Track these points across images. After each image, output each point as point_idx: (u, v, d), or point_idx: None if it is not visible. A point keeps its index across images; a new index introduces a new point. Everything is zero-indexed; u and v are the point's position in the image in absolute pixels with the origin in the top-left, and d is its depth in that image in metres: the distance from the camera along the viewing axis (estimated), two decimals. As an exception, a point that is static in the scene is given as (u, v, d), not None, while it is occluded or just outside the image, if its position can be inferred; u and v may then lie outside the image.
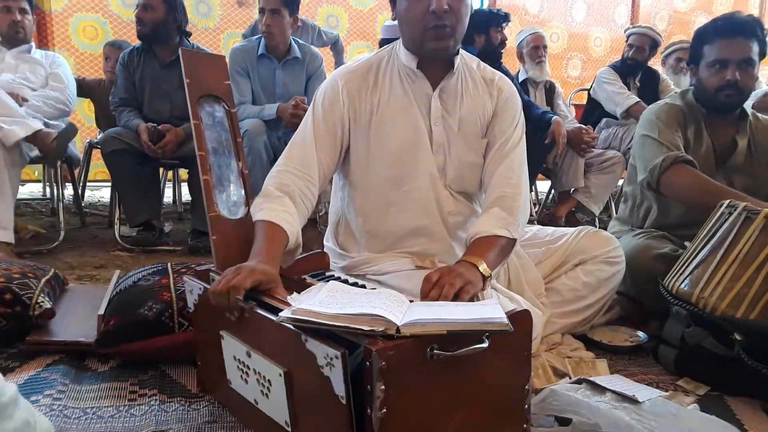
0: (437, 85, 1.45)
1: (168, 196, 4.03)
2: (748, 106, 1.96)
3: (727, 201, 1.54)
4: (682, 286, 1.50)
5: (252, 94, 2.93)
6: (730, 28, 1.83)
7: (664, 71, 3.99)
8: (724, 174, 1.90)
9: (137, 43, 2.93)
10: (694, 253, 1.53)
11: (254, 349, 1.04)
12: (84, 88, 3.55)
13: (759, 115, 1.99)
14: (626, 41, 3.71)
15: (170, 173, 3.84)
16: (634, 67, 3.65)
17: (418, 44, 1.38)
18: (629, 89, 3.58)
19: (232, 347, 1.11)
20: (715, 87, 1.84)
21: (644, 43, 3.61)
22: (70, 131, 2.76)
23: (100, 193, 4.56)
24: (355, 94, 1.45)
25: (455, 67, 1.43)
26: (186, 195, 3.88)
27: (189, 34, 2.96)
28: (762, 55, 1.86)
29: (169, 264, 1.68)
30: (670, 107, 1.96)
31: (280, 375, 0.98)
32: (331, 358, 0.86)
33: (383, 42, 2.86)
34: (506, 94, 1.51)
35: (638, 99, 3.42)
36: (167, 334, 1.42)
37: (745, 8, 6.22)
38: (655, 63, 4.09)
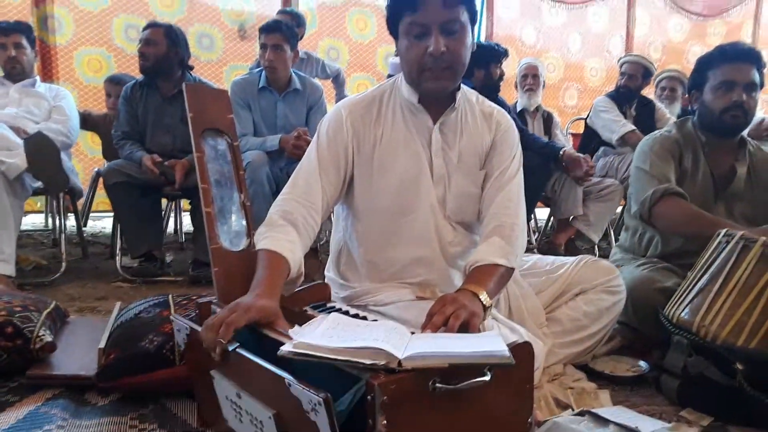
0: (438, 119, 1.47)
1: (170, 226, 4.04)
2: (744, 133, 1.99)
3: (725, 230, 1.56)
4: (683, 314, 1.51)
5: (253, 126, 2.97)
6: (736, 54, 1.88)
7: (654, 99, 4.05)
8: (724, 202, 1.91)
9: (139, 76, 2.98)
10: (694, 282, 1.54)
11: (243, 391, 1.03)
12: (90, 122, 3.60)
13: (759, 145, 2.02)
14: (620, 70, 3.78)
15: (172, 203, 3.86)
16: (628, 95, 3.70)
17: (417, 83, 1.40)
18: (625, 117, 3.63)
19: (223, 387, 1.10)
20: (720, 108, 1.87)
21: (637, 71, 3.68)
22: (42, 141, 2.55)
23: (101, 223, 4.58)
24: (358, 125, 1.47)
25: (456, 101, 1.46)
26: (187, 225, 3.90)
27: (191, 68, 3.01)
28: (762, 85, 1.90)
29: (170, 295, 1.68)
30: (664, 138, 1.98)
31: (270, 418, 0.96)
32: (315, 404, 0.85)
33: (390, 77, 2.91)
34: (504, 127, 1.53)
35: (633, 127, 3.47)
36: (168, 367, 1.41)
37: (738, 39, 6.33)
38: (650, 92, 4.15)
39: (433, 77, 1.36)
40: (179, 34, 2.91)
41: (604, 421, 1.24)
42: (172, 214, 3.98)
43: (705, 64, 1.95)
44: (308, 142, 2.71)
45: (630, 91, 3.70)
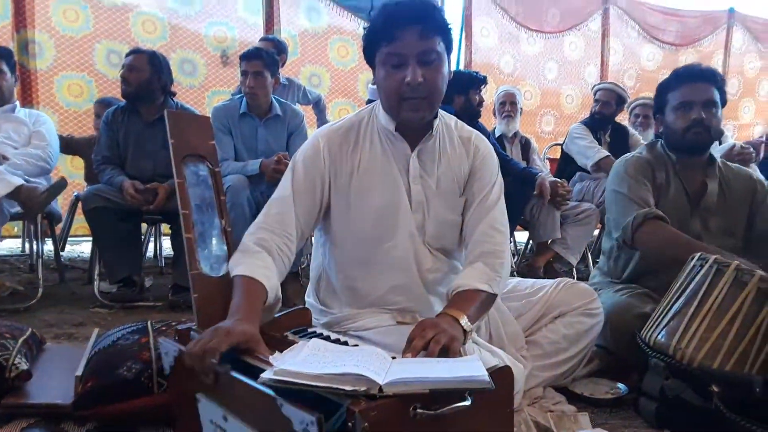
0: (416, 146, 1.48)
1: (149, 250, 4.01)
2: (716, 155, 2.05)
3: (698, 254, 1.59)
4: (659, 337, 1.53)
5: (234, 151, 2.99)
6: (692, 75, 1.95)
7: (628, 125, 4.15)
8: (699, 216, 1.95)
9: (122, 101, 2.98)
10: (669, 305, 1.57)
11: (231, 413, 1.03)
12: (73, 146, 3.59)
13: (727, 162, 2.08)
14: (594, 97, 3.87)
15: (152, 228, 3.83)
16: (603, 122, 3.80)
17: (394, 112, 1.42)
18: (600, 143, 3.71)
19: (208, 410, 1.09)
20: (682, 128, 1.93)
21: (610, 98, 3.77)
22: (61, 185, 2.77)
23: (80, 248, 4.52)
24: (335, 153, 1.48)
25: (434, 129, 1.47)
26: (167, 249, 3.87)
27: (173, 94, 3.02)
28: (723, 103, 1.96)
29: (149, 322, 1.66)
30: (636, 159, 2.03)
31: (258, 440, 0.96)
32: (307, 424, 0.85)
33: (369, 103, 2.94)
34: (483, 152, 1.55)
35: (607, 153, 3.55)
36: (146, 395, 1.39)
37: (709, 66, 6.50)
38: (624, 119, 4.25)
39: (411, 108, 1.37)
40: (162, 60, 2.93)
41: (583, 445, 1.25)
42: (152, 239, 3.95)
43: (664, 88, 2.02)
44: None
45: (604, 118, 3.79)
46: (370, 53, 1.42)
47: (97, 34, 4.38)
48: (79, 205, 3.15)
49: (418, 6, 1.35)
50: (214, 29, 4.77)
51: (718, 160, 2.03)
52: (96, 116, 3.68)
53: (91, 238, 3.07)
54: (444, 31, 1.38)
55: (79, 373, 1.45)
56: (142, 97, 2.87)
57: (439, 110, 1.49)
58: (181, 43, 4.67)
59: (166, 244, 3.86)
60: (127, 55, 2.92)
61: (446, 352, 1.11)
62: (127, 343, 1.52)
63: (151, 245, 4.03)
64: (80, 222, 3.98)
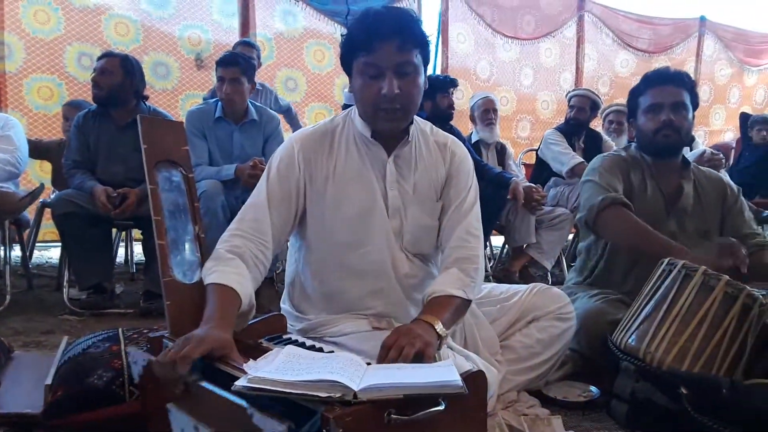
0: (392, 152, 1.49)
1: (120, 255, 3.95)
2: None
3: (667, 259, 1.63)
4: (630, 341, 1.56)
5: (209, 156, 2.96)
6: (660, 78, 1.99)
7: (602, 131, 4.23)
8: (675, 218, 1.99)
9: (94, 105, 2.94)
10: (639, 309, 1.60)
11: (202, 423, 1.02)
12: (41, 150, 3.51)
13: (700, 167, 2.13)
14: (568, 103, 3.93)
15: (123, 233, 3.78)
16: (577, 127, 3.86)
17: (371, 121, 1.43)
18: (574, 149, 3.77)
19: (179, 421, 1.08)
20: (652, 130, 1.96)
21: (584, 104, 3.84)
22: (39, 191, 2.73)
23: (48, 253, 4.43)
24: (311, 158, 1.47)
25: (410, 135, 1.48)
26: (138, 255, 3.82)
27: (146, 98, 2.98)
28: (695, 106, 2.00)
29: (120, 330, 1.64)
30: (612, 156, 2.08)
31: (229, 449, 0.95)
32: None
33: (345, 107, 2.95)
34: (459, 157, 1.56)
35: (582, 159, 3.61)
36: (117, 403, 1.37)
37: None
38: (598, 126, 4.32)
39: (387, 118, 1.39)
40: (135, 64, 2.90)
41: (556, 448, 1.26)
42: (122, 244, 3.89)
43: (635, 92, 2.06)
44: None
45: (579, 124, 3.85)
46: (347, 61, 1.43)
47: (68, 36, 4.31)
48: (47, 210, 3.10)
49: (397, 18, 1.36)
50: (189, 32, 4.73)
51: (692, 163, 2.08)
52: (65, 119, 3.61)
53: (59, 244, 3.01)
54: (422, 44, 1.39)
55: (48, 381, 1.42)
56: (113, 101, 2.83)
57: (415, 116, 1.50)
58: (154, 45, 4.61)
59: (138, 249, 3.82)
60: (99, 58, 2.88)
61: (421, 357, 1.11)
62: (97, 351, 1.49)
63: (121, 250, 3.97)
64: (48, 227, 3.91)
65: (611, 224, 1.92)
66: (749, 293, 1.49)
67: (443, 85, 3.38)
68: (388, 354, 1.12)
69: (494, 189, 3.29)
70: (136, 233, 3.84)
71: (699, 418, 1.35)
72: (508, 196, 3.29)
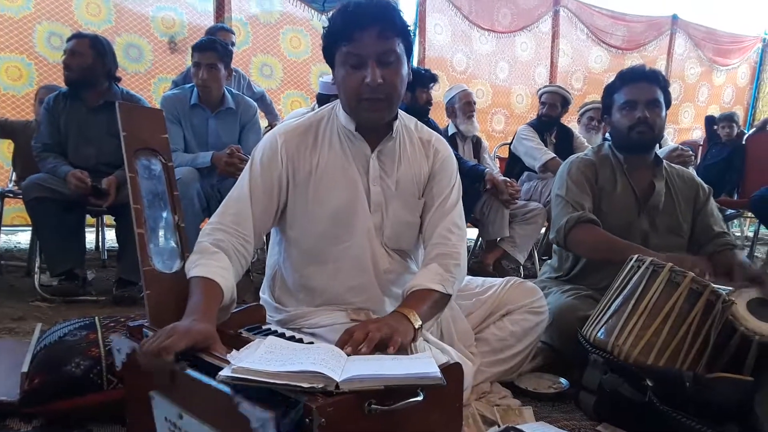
0: (376, 147, 1.49)
1: (90, 242, 3.89)
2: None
3: (636, 255, 1.68)
4: (599, 334, 1.61)
5: (184, 143, 2.92)
6: (635, 75, 2.03)
7: (579, 129, 4.29)
8: (647, 215, 2.04)
9: (64, 87, 2.87)
10: (609, 304, 1.65)
11: (186, 411, 1.02)
12: (7, 129, 3.42)
13: (672, 165, 2.18)
14: (540, 100, 4.00)
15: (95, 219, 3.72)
16: (549, 123, 3.93)
17: (354, 112, 1.43)
18: (546, 145, 3.84)
19: (162, 408, 1.09)
20: (627, 126, 2.00)
21: (556, 101, 3.92)
22: None
23: (16, 238, 4.34)
24: (294, 152, 1.47)
25: (394, 130, 1.49)
26: (110, 241, 3.77)
27: (118, 80, 2.93)
28: (668, 104, 2.04)
29: (97, 318, 1.63)
30: (580, 161, 2.11)
31: (214, 437, 0.96)
32: (264, 421, 0.86)
33: (320, 96, 2.94)
34: (443, 155, 1.57)
35: (554, 155, 3.68)
36: (95, 392, 1.37)
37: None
38: (571, 121, 4.39)
39: (371, 108, 1.39)
40: (106, 44, 2.84)
41: (527, 437, 1.30)
42: (94, 230, 3.83)
43: (610, 89, 2.10)
44: (241, 159, 2.70)
45: (551, 119, 3.93)
46: (329, 53, 1.42)
47: (37, 15, 4.20)
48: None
49: (377, 7, 1.36)
50: (162, 14, 4.65)
51: (664, 161, 2.13)
52: (39, 102, 3.52)
53: (28, 229, 2.95)
54: (403, 33, 1.39)
55: (25, 369, 1.42)
56: (85, 83, 2.78)
57: (399, 111, 1.51)
58: (126, 27, 4.53)
59: (110, 236, 3.76)
60: (69, 39, 2.82)
61: (386, 344, 1.13)
62: (74, 339, 1.49)
63: (91, 236, 3.91)
64: (17, 211, 3.83)
65: (580, 243, 1.97)
66: (713, 290, 1.55)
67: (423, 79, 3.39)
68: (351, 337, 1.13)
69: (468, 182, 3.32)
70: (108, 219, 3.80)
71: (663, 409, 1.40)
72: (487, 186, 3.33)
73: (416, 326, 1.25)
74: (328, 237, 1.48)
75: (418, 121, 1.62)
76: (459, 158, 3.44)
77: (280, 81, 5.16)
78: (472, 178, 3.36)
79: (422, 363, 1.03)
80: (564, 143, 3.93)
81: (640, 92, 2.00)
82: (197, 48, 2.89)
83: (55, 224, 2.65)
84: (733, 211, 4.51)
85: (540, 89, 4.11)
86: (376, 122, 1.45)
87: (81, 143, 2.81)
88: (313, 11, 5.19)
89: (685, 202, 2.08)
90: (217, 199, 2.74)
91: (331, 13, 1.44)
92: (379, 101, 1.38)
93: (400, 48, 1.39)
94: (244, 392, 0.91)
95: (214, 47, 2.88)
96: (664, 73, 6.97)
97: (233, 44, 3.97)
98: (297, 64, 5.24)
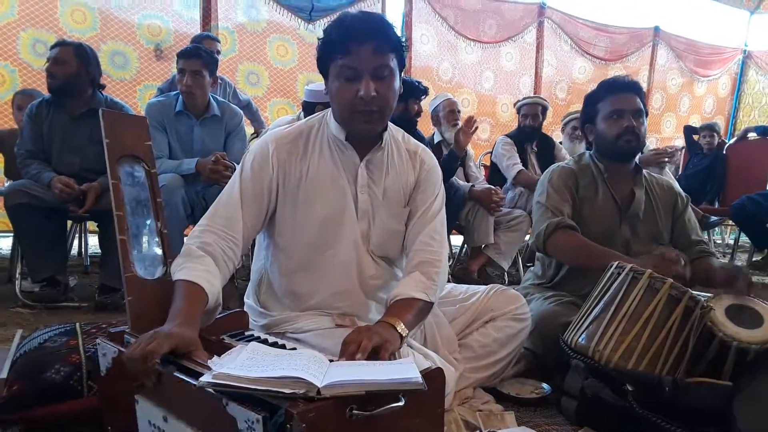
0: (365, 156, 1.51)
1: (73, 248, 3.85)
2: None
3: (616, 262, 1.70)
4: (580, 340, 1.62)
5: (169, 150, 2.92)
6: (620, 86, 2.06)
7: (563, 138, 4.35)
8: (628, 223, 2.06)
9: (48, 93, 2.86)
10: (590, 310, 1.67)
11: (171, 414, 1.03)
12: None
13: (652, 173, 2.21)
14: (519, 112, 4.09)
15: (77, 225, 3.69)
16: (531, 134, 4.02)
17: (347, 123, 1.45)
18: (528, 154, 3.95)
19: (147, 412, 1.09)
20: (614, 135, 2.02)
21: (535, 111, 4.00)
22: None
23: (-3, 244, 4.30)
24: (285, 159, 1.49)
25: (383, 141, 1.51)
26: (92, 247, 3.74)
27: (102, 87, 2.92)
28: (646, 113, 2.08)
29: (77, 324, 1.62)
30: (561, 169, 2.13)
31: (199, 439, 0.97)
32: (252, 422, 0.87)
33: (305, 104, 2.94)
34: (428, 166, 1.60)
35: (521, 167, 3.78)
36: (75, 398, 1.36)
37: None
38: (555, 130, 4.43)
39: (364, 120, 1.41)
40: (90, 52, 2.83)
41: (509, 442, 1.31)
42: (77, 236, 3.80)
43: (593, 98, 2.12)
44: (226, 167, 2.70)
45: (533, 129, 4.02)
46: (323, 64, 1.44)
47: (22, 21, 4.17)
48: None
49: (374, 23, 1.39)
50: (148, 21, 4.63)
51: (645, 171, 2.16)
52: (17, 108, 3.49)
53: (9, 234, 2.92)
54: (397, 49, 1.42)
55: (3, 375, 1.41)
56: (68, 91, 2.77)
57: (388, 123, 1.53)
58: (112, 34, 4.51)
59: (92, 242, 3.74)
60: (52, 47, 2.81)
61: (378, 352, 1.14)
62: (55, 345, 1.48)
63: (75, 243, 3.87)
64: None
65: (559, 248, 2.00)
66: (692, 296, 1.58)
67: (417, 91, 3.42)
68: (348, 349, 1.15)
69: (454, 189, 3.34)
70: (91, 225, 3.77)
71: (643, 414, 1.42)
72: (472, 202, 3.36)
73: (403, 336, 1.27)
74: (315, 243, 1.50)
75: (405, 133, 1.65)
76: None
77: (267, 89, 5.16)
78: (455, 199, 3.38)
79: (403, 368, 1.04)
80: (545, 153, 3.99)
81: (626, 102, 2.03)
82: (182, 55, 2.89)
83: (37, 231, 2.64)
84: (716, 218, 4.57)
85: (518, 102, 4.21)
86: (368, 134, 1.47)
87: (65, 151, 2.79)
88: (300, 20, 5.21)
89: (664, 210, 2.11)
90: (202, 206, 2.74)
91: (325, 24, 1.47)
92: (372, 113, 1.40)
93: (393, 63, 1.42)
94: (232, 394, 0.91)
95: (198, 54, 2.88)
96: (646, 84, 7.07)
97: (219, 52, 3.98)
98: (283, 72, 5.25)
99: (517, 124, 4.16)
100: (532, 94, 4.29)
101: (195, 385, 0.95)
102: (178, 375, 1.01)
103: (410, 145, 1.62)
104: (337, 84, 1.40)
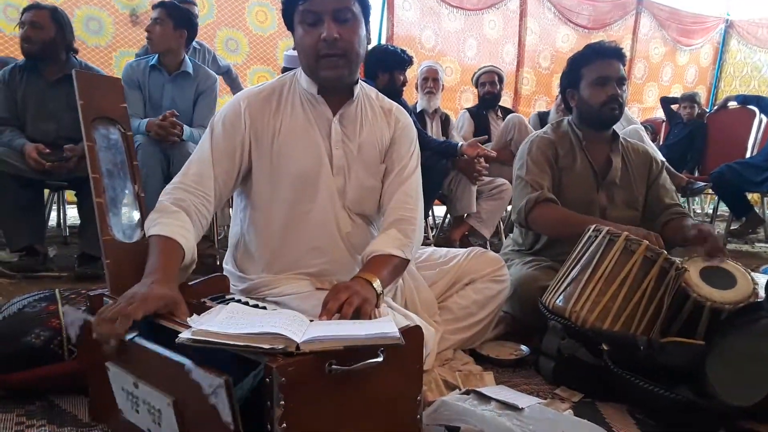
0: (337, 111, 1.51)
1: (52, 219, 3.81)
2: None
3: (593, 225, 1.72)
4: (557, 301, 1.65)
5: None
6: (606, 52, 2.04)
7: (552, 108, 4.40)
8: (605, 190, 2.08)
9: (21, 59, 2.79)
10: (567, 272, 1.69)
11: (141, 380, 1.02)
12: None
13: (628, 139, 2.22)
14: (478, 82, 4.21)
15: (55, 195, 3.64)
16: (492, 101, 4.19)
17: (314, 72, 1.44)
18: (491, 123, 4.10)
19: (118, 378, 1.08)
20: (600, 102, 2.02)
21: (492, 78, 4.16)
22: None
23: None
24: (257, 116, 1.48)
25: (355, 95, 1.51)
26: (71, 218, 3.70)
27: (76, 51, 2.86)
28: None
29: (57, 290, 1.61)
30: (540, 140, 2.12)
31: (169, 404, 0.97)
32: (216, 387, 0.87)
33: (284, 69, 2.91)
34: (403, 124, 1.60)
35: (461, 142, 3.68)
36: (56, 362, 1.36)
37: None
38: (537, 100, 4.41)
39: (329, 65, 1.40)
40: (65, 16, 2.79)
41: (486, 399, 1.34)
42: (55, 206, 3.75)
43: (578, 62, 2.10)
44: (174, 125, 2.69)
45: (493, 97, 4.18)
46: (288, 14, 1.44)
47: (-8, -15, 4.05)
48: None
49: None
50: (123, -16, 4.52)
51: (621, 137, 2.17)
52: None
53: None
54: None
55: (-19, 341, 1.39)
56: (45, 57, 2.71)
57: (360, 81, 1.53)
58: (86, -1, 4.39)
59: (71, 212, 3.69)
60: (25, 10, 2.73)
61: (359, 313, 1.16)
62: (34, 310, 1.46)
63: (53, 214, 3.83)
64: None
65: (541, 222, 2.00)
66: (666, 257, 1.60)
67: (402, 62, 3.40)
68: (328, 308, 1.15)
69: (438, 159, 3.35)
70: (69, 195, 3.72)
71: (618, 372, 1.45)
72: (464, 156, 3.36)
73: (378, 292, 1.28)
74: (291, 200, 1.49)
75: (379, 92, 1.64)
76: (426, 137, 3.46)
77: (246, 56, 5.07)
78: (445, 153, 3.38)
79: (382, 325, 1.05)
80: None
81: (611, 69, 2.02)
82: (153, 6, 2.96)
83: (13, 199, 2.59)
84: (700, 184, 4.62)
85: (475, 73, 4.30)
86: (336, 81, 1.45)
87: (40, 117, 2.74)
88: (279, -16, 5.09)
89: (639, 176, 2.13)
90: (164, 166, 2.72)
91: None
92: (337, 58, 1.40)
93: (356, 8, 1.41)
94: (196, 357, 0.91)
95: (163, 4, 2.91)
96: (629, 52, 7.05)
97: (195, 16, 3.89)
98: (263, 38, 5.15)
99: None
100: (478, 69, 4.32)
101: (158, 352, 0.94)
102: (139, 342, 1.00)
103: (384, 103, 1.61)
104: (301, 31, 1.41)
